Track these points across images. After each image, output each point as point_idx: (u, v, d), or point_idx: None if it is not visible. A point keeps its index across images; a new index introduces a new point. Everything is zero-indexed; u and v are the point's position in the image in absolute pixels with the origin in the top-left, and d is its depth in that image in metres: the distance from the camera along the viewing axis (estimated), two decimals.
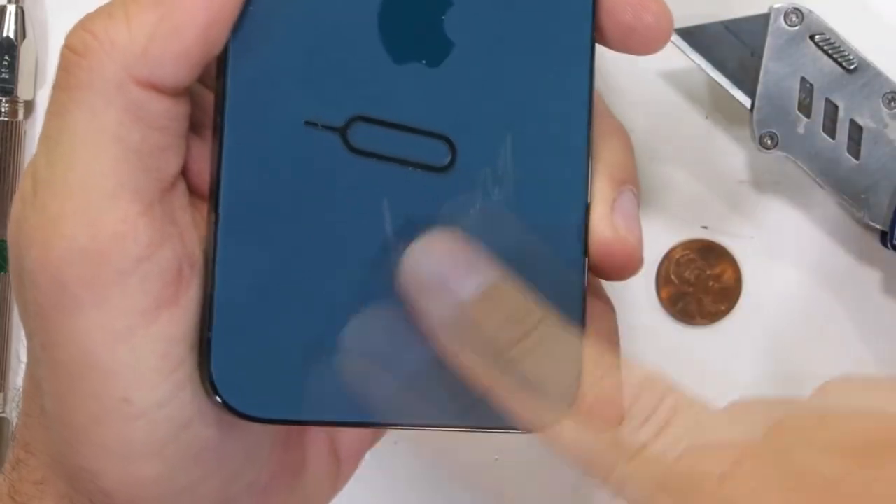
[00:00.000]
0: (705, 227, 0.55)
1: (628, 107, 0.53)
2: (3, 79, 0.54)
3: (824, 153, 0.51)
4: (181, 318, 0.34)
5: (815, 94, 0.50)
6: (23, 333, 0.38)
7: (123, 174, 0.34)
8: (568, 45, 0.37)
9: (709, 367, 0.55)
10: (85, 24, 0.34)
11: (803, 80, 0.50)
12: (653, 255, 0.54)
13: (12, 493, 0.37)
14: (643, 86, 0.54)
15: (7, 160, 0.54)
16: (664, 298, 0.55)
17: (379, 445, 0.43)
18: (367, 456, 0.43)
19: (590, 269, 0.38)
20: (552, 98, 0.37)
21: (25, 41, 0.54)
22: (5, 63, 0.54)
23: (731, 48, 0.51)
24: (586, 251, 0.38)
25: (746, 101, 0.51)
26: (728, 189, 0.54)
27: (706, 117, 0.54)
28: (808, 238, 0.54)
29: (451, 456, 0.55)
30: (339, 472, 0.42)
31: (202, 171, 0.36)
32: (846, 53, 0.50)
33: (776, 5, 0.50)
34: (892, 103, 0.50)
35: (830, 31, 0.50)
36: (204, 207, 0.36)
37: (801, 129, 0.50)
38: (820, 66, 0.50)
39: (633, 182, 0.39)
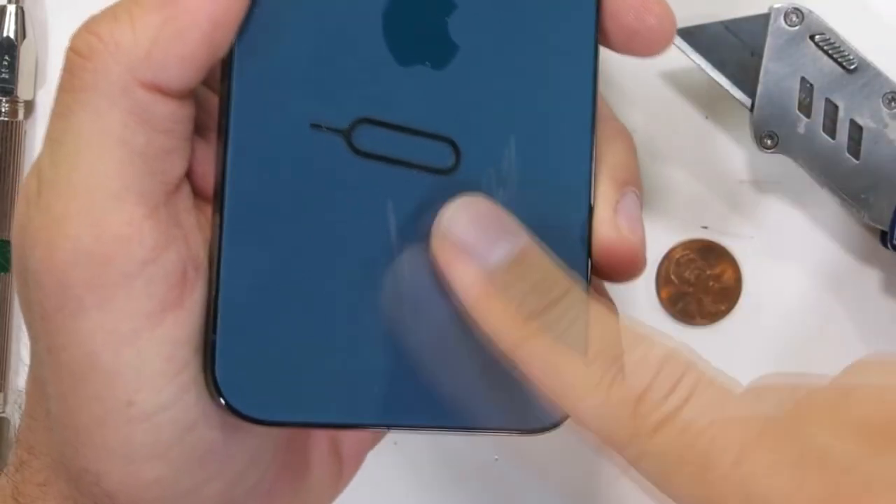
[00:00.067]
0: (705, 227, 0.55)
1: (628, 107, 0.53)
2: (3, 79, 0.54)
3: (824, 153, 0.51)
4: (186, 321, 0.34)
5: (815, 94, 0.50)
6: (24, 334, 0.38)
7: (128, 176, 0.34)
8: (571, 47, 0.37)
9: None
10: (89, 27, 0.34)
11: (803, 80, 0.50)
12: (653, 255, 0.54)
13: (16, 495, 0.37)
14: (643, 86, 0.54)
15: (7, 160, 0.54)
16: (664, 298, 0.55)
17: (379, 446, 0.43)
18: (368, 456, 0.43)
19: (593, 270, 0.38)
20: (556, 100, 0.37)
21: (25, 41, 0.54)
22: (5, 63, 0.53)
23: (731, 48, 0.51)
24: (590, 253, 0.38)
25: (746, 101, 0.51)
26: (728, 189, 0.54)
27: (706, 117, 0.54)
28: (808, 238, 0.55)
29: (451, 456, 0.55)
30: (342, 472, 0.42)
31: (207, 173, 0.36)
32: (846, 53, 0.50)
33: (776, 5, 0.50)
34: (892, 103, 0.50)
35: (830, 31, 0.50)
36: (208, 210, 0.36)
37: (801, 129, 0.50)
38: (820, 66, 0.50)
39: (636, 184, 0.39)
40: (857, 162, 0.51)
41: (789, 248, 0.55)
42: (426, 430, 0.37)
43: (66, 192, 0.34)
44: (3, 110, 0.54)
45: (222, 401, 0.34)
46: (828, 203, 0.54)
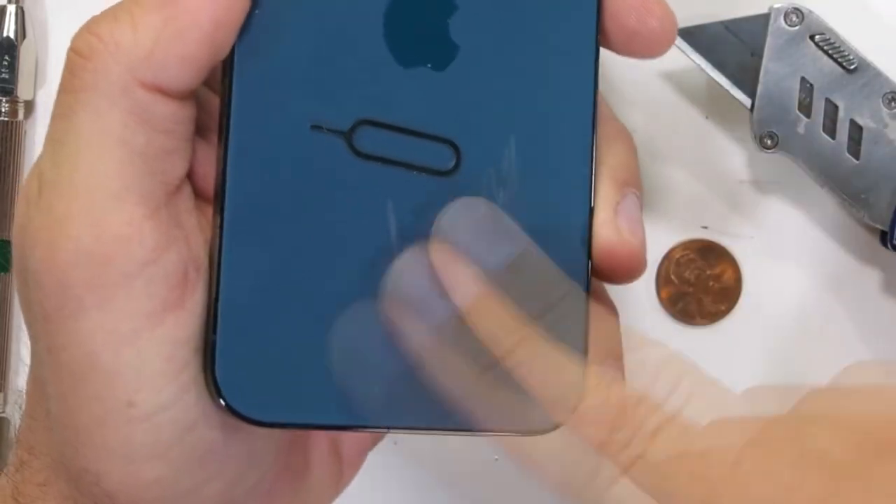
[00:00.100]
0: (705, 227, 0.55)
1: (628, 107, 0.53)
2: (3, 79, 0.54)
3: (824, 153, 0.51)
4: (186, 322, 0.34)
5: (815, 94, 0.50)
6: (24, 334, 0.38)
7: (129, 177, 0.34)
8: (572, 49, 0.37)
9: (709, 367, 0.55)
10: (90, 27, 0.34)
11: (803, 80, 0.50)
12: (653, 256, 0.54)
13: (16, 495, 0.37)
14: (643, 86, 0.54)
15: (7, 160, 0.54)
16: (664, 298, 0.55)
17: (379, 446, 0.43)
18: (368, 456, 0.43)
19: (593, 272, 0.38)
20: (556, 102, 0.37)
21: (25, 41, 0.54)
22: (5, 63, 0.53)
23: (731, 48, 0.51)
24: (590, 254, 0.38)
25: (746, 101, 0.51)
26: (728, 189, 0.54)
27: (706, 117, 0.54)
28: (808, 238, 0.55)
29: (451, 456, 0.55)
30: (342, 473, 0.42)
31: (208, 174, 0.36)
32: (846, 53, 0.50)
33: (776, 5, 0.50)
34: (892, 103, 0.50)
35: (830, 31, 0.50)
36: (210, 211, 0.36)
37: (801, 129, 0.50)
38: (820, 66, 0.50)
39: (636, 185, 0.39)
40: (857, 162, 0.51)
41: (789, 248, 0.55)
42: (426, 431, 0.37)
43: (67, 193, 0.34)
44: (3, 110, 0.54)
45: (222, 401, 0.34)
46: (828, 203, 0.54)
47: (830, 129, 0.50)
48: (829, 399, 0.33)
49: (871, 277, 0.55)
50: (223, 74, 0.35)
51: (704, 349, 0.55)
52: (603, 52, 0.38)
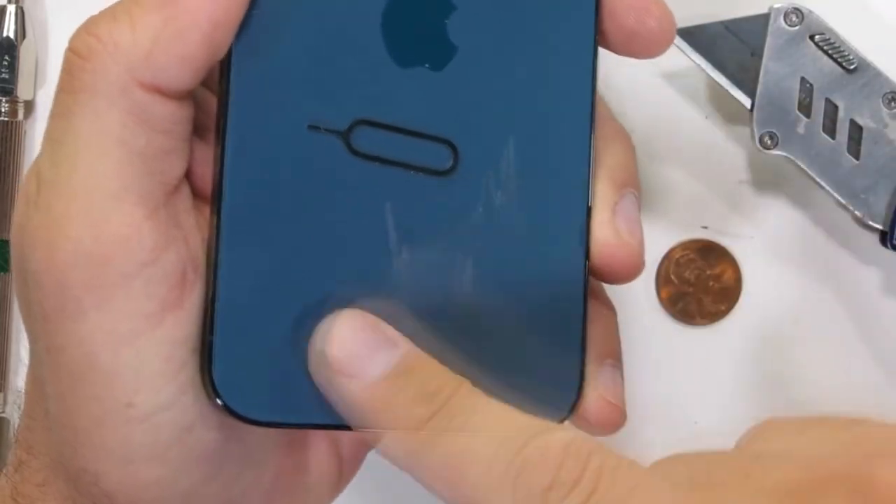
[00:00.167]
0: (705, 227, 0.55)
1: (628, 107, 0.53)
2: (3, 79, 0.54)
3: (824, 153, 0.51)
4: (185, 322, 0.34)
5: (815, 94, 0.50)
6: (24, 334, 0.38)
7: (127, 177, 0.34)
8: (570, 49, 0.37)
9: (709, 367, 0.55)
10: (89, 28, 0.34)
11: (803, 80, 0.50)
12: (653, 256, 0.54)
13: (14, 495, 0.37)
14: (643, 86, 0.54)
15: (7, 160, 0.54)
16: (664, 298, 0.55)
17: None
18: (368, 456, 0.43)
19: (591, 272, 0.38)
20: (555, 102, 0.37)
21: (25, 41, 0.54)
22: (5, 63, 0.54)
23: (731, 48, 0.51)
24: (588, 254, 0.38)
25: (746, 101, 0.51)
26: (728, 189, 0.54)
27: (706, 117, 0.54)
28: (808, 238, 0.54)
29: None
30: (342, 473, 0.41)
31: (206, 174, 0.36)
32: (846, 53, 0.50)
33: (776, 5, 0.50)
34: (892, 103, 0.50)
35: (830, 31, 0.50)
36: (207, 210, 0.36)
37: (801, 129, 0.50)
38: (820, 66, 0.50)
39: (634, 185, 0.39)
40: (857, 162, 0.51)
41: (789, 248, 0.55)
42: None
43: (66, 193, 0.34)
44: (3, 110, 0.54)
45: (219, 402, 0.34)
46: (828, 203, 0.54)
47: (830, 129, 0.50)
48: (739, 465, 0.33)
49: (871, 277, 0.55)
50: (221, 74, 0.35)
51: (704, 349, 0.55)
52: (602, 51, 0.38)
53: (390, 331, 0.35)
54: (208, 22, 0.33)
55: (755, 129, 0.50)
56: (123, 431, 0.34)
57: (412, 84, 0.36)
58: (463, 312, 0.36)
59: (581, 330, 0.37)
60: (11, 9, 0.54)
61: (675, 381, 0.54)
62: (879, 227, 0.51)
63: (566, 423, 0.38)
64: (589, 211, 0.38)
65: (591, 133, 0.38)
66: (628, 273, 0.38)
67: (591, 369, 0.38)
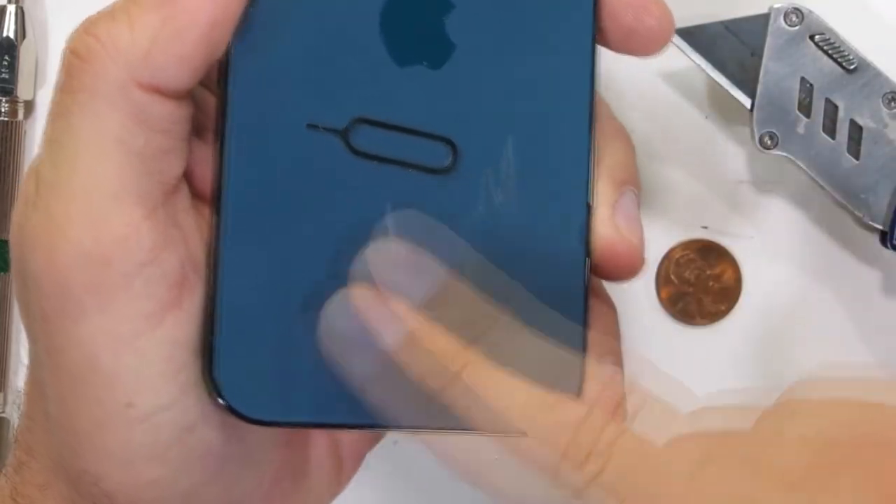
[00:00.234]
0: (705, 227, 0.55)
1: (628, 107, 0.53)
2: (3, 79, 0.54)
3: (824, 153, 0.51)
4: (185, 322, 0.34)
5: (815, 94, 0.50)
6: (23, 334, 0.38)
7: (127, 178, 0.34)
8: (569, 47, 0.37)
9: (709, 367, 0.55)
10: (87, 28, 0.34)
11: (803, 80, 0.50)
12: (653, 255, 0.54)
13: (14, 496, 0.37)
14: (643, 86, 0.54)
15: (7, 160, 0.54)
16: (664, 298, 0.55)
17: (379, 446, 0.43)
18: (367, 456, 0.43)
19: (592, 270, 0.38)
20: (554, 100, 0.37)
21: (25, 41, 0.54)
22: (5, 63, 0.54)
23: (731, 48, 0.51)
24: (588, 252, 0.38)
25: (746, 101, 0.51)
26: (728, 189, 0.54)
27: (706, 117, 0.54)
28: (808, 238, 0.54)
29: None
30: (342, 472, 0.41)
31: (204, 173, 0.36)
32: (846, 53, 0.50)
33: (776, 5, 0.50)
34: (892, 103, 0.50)
35: (830, 31, 0.50)
36: (206, 210, 0.36)
37: (801, 129, 0.50)
38: (820, 66, 0.50)
39: (634, 183, 0.39)
40: (857, 162, 0.51)
41: (789, 248, 0.55)
42: (426, 430, 0.37)
43: (66, 194, 0.34)
44: (3, 110, 0.54)
45: (221, 401, 0.34)
46: (828, 203, 0.54)
47: (830, 129, 0.50)
48: (777, 416, 0.33)
49: (871, 277, 0.55)
50: (219, 73, 0.35)
51: (704, 349, 0.55)
52: (602, 51, 0.38)
53: (429, 258, 0.35)
54: (206, 21, 0.33)
55: (755, 129, 0.50)
56: (124, 432, 0.34)
57: (411, 82, 0.36)
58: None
59: (582, 328, 0.37)
60: (11, 9, 0.54)
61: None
62: (879, 227, 0.51)
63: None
64: (589, 209, 0.38)
65: (590, 131, 0.38)
66: (629, 270, 0.38)
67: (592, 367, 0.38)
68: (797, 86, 0.50)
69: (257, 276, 0.35)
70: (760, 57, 0.50)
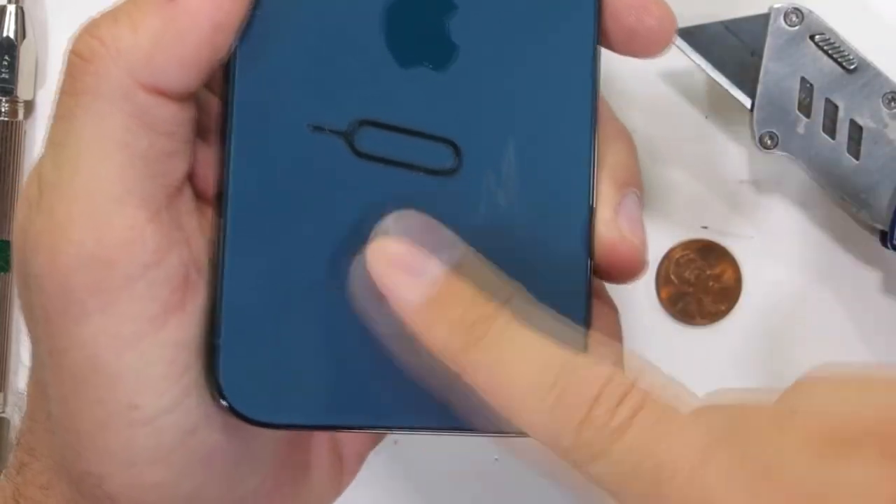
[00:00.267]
0: (705, 227, 0.55)
1: (628, 107, 0.53)
2: (3, 79, 0.54)
3: (824, 153, 0.51)
4: (188, 324, 0.34)
5: (815, 94, 0.50)
6: (23, 335, 0.38)
7: (130, 180, 0.34)
8: (572, 48, 0.37)
9: (709, 367, 0.55)
10: (91, 30, 0.34)
11: (803, 80, 0.50)
12: (653, 255, 0.53)
13: (17, 497, 0.37)
14: (643, 86, 0.54)
15: (7, 160, 0.54)
16: (664, 298, 0.55)
17: (379, 446, 0.43)
18: (369, 456, 0.43)
19: (594, 271, 0.38)
20: (556, 101, 0.37)
21: (25, 41, 0.54)
22: (5, 63, 0.53)
23: (731, 48, 0.51)
24: (591, 254, 0.38)
25: (746, 101, 0.51)
26: (728, 189, 0.54)
27: (706, 117, 0.54)
28: (808, 238, 0.54)
29: (451, 456, 0.55)
30: (343, 473, 0.42)
31: (208, 175, 0.36)
32: (846, 53, 0.50)
33: (776, 5, 0.50)
34: (892, 103, 0.50)
35: (830, 31, 0.50)
36: (210, 212, 0.36)
37: (801, 129, 0.50)
38: (820, 66, 0.50)
39: (636, 185, 0.39)
40: (857, 162, 0.51)
41: (789, 248, 0.55)
42: (427, 431, 0.37)
43: (68, 196, 0.34)
44: (3, 110, 0.54)
45: (224, 403, 0.35)
46: (828, 203, 0.54)
47: (830, 129, 0.50)
48: (777, 416, 0.33)
49: (871, 277, 0.55)
50: (223, 76, 0.35)
51: (704, 349, 0.55)
52: (603, 51, 0.38)
53: (448, 232, 0.35)
54: (209, 24, 0.33)
55: (755, 129, 0.50)
56: (126, 434, 0.34)
57: (414, 84, 0.36)
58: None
59: (584, 330, 0.37)
60: (11, 9, 0.54)
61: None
62: (879, 227, 0.51)
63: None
64: (591, 210, 0.38)
65: (593, 132, 0.38)
66: (631, 272, 0.38)
67: None
68: (797, 86, 0.50)
69: (260, 278, 0.35)
70: (760, 57, 0.50)
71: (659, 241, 0.54)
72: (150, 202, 0.34)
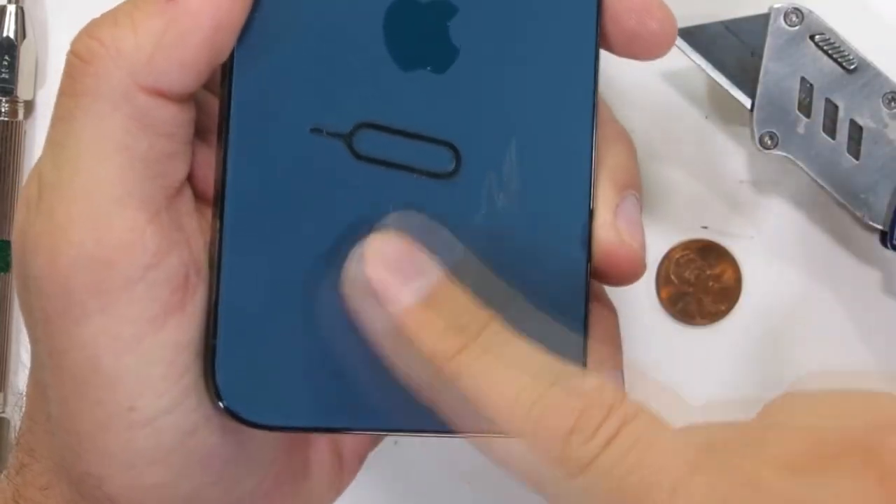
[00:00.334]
0: (705, 227, 0.55)
1: (628, 107, 0.53)
2: (3, 79, 0.53)
3: (824, 153, 0.51)
4: (188, 325, 0.35)
5: (815, 94, 0.50)
6: (23, 335, 0.38)
7: (130, 181, 0.34)
8: (572, 51, 0.37)
9: (709, 367, 0.55)
10: (91, 31, 0.34)
11: (803, 80, 0.50)
12: (653, 255, 0.54)
13: (17, 498, 0.37)
14: (643, 86, 0.54)
15: (7, 160, 0.54)
16: (664, 298, 0.55)
17: (379, 446, 0.43)
18: (368, 457, 0.43)
19: (592, 274, 0.38)
20: (556, 104, 0.37)
21: (25, 41, 0.54)
22: (5, 63, 0.53)
23: (731, 48, 0.51)
24: (590, 256, 0.38)
25: (746, 101, 0.51)
26: (728, 189, 0.54)
27: (706, 117, 0.54)
28: (808, 238, 0.54)
29: (451, 456, 0.55)
30: (342, 474, 0.42)
31: (208, 177, 0.36)
32: (846, 53, 0.50)
33: (776, 5, 0.50)
34: (892, 103, 0.50)
35: (830, 31, 0.50)
36: (210, 213, 0.36)
37: (801, 129, 0.50)
38: (820, 66, 0.50)
39: (636, 187, 0.39)
40: (857, 162, 0.51)
41: (789, 248, 0.55)
42: (427, 433, 0.37)
43: (68, 197, 0.34)
44: (3, 110, 0.54)
45: (222, 405, 0.35)
46: (828, 203, 0.54)
47: (830, 129, 0.50)
48: (753, 435, 0.33)
49: (871, 277, 0.55)
50: (223, 77, 0.35)
51: (704, 349, 0.55)
52: (603, 52, 0.38)
53: (425, 257, 0.35)
54: (210, 25, 0.33)
55: (755, 129, 0.50)
56: (126, 435, 0.34)
57: (414, 87, 0.36)
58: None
59: (583, 332, 0.37)
60: (11, 9, 0.54)
61: (675, 381, 0.54)
62: (879, 227, 0.51)
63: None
64: (591, 213, 0.38)
65: (592, 135, 0.38)
66: (630, 275, 0.38)
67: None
68: (797, 86, 0.50)
69: (259, 281, 0.35)
70: (760, 57, 0.50)
71: (659, 241, 0.54)
72: (149, 203, 0.34)
